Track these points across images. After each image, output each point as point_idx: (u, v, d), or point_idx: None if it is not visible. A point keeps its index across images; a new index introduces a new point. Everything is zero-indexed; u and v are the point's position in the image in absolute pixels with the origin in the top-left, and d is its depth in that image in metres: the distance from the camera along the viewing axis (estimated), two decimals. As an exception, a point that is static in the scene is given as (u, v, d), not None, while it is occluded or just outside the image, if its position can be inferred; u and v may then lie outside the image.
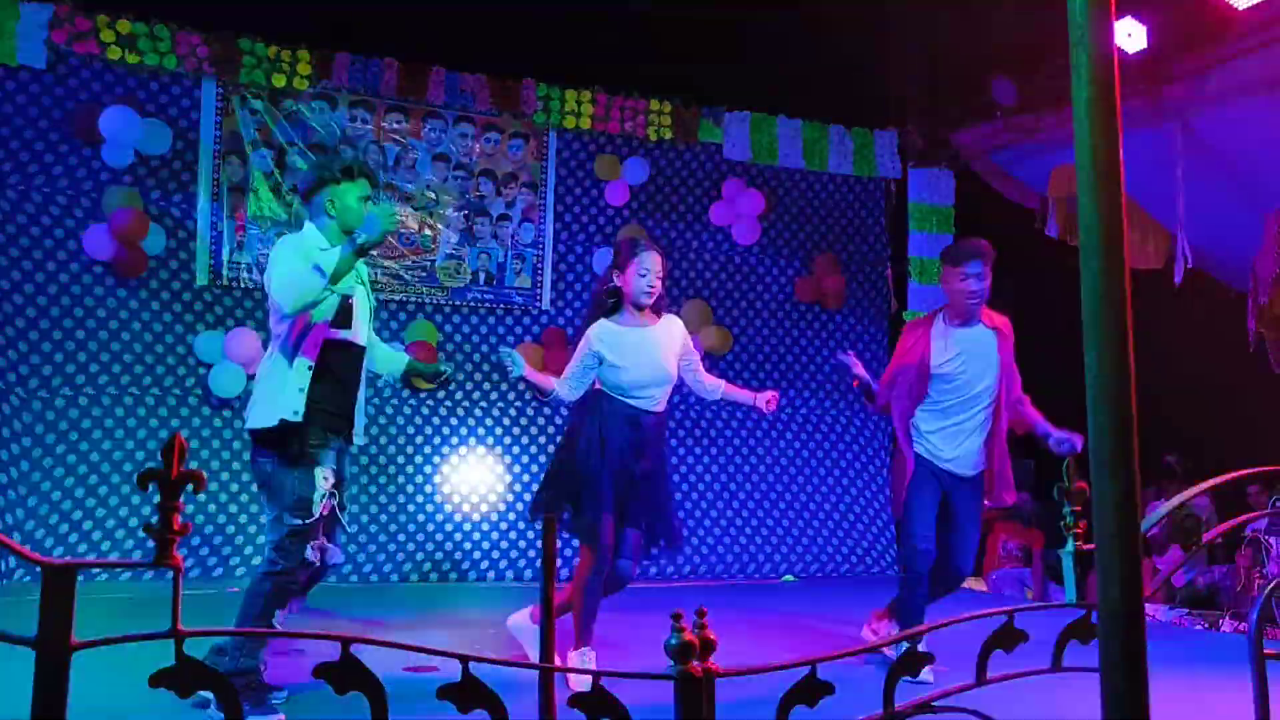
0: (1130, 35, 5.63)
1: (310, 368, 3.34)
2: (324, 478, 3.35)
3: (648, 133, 7.29)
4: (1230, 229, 6.29)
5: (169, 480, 1.22)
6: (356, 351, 3.51)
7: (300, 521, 3.29)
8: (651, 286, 3.93)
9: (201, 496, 6.18)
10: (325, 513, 3.35)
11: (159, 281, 6.25)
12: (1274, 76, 5.36)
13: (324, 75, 6.56)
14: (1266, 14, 5.18)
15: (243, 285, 6.42)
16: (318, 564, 3.43)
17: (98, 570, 5.90)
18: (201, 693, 1.24)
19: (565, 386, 3.96)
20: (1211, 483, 1.82)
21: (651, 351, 3.97)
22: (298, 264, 3.29)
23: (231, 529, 6.25)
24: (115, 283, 6.14)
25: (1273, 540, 5.46)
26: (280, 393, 3.33)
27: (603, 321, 3.99)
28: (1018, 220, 7.27)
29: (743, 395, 4.28)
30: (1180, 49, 5.73)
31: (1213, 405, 7.66)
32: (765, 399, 4.14)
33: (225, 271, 6.39)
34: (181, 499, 1.24)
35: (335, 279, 3.31)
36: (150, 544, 1.26)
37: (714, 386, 4.27)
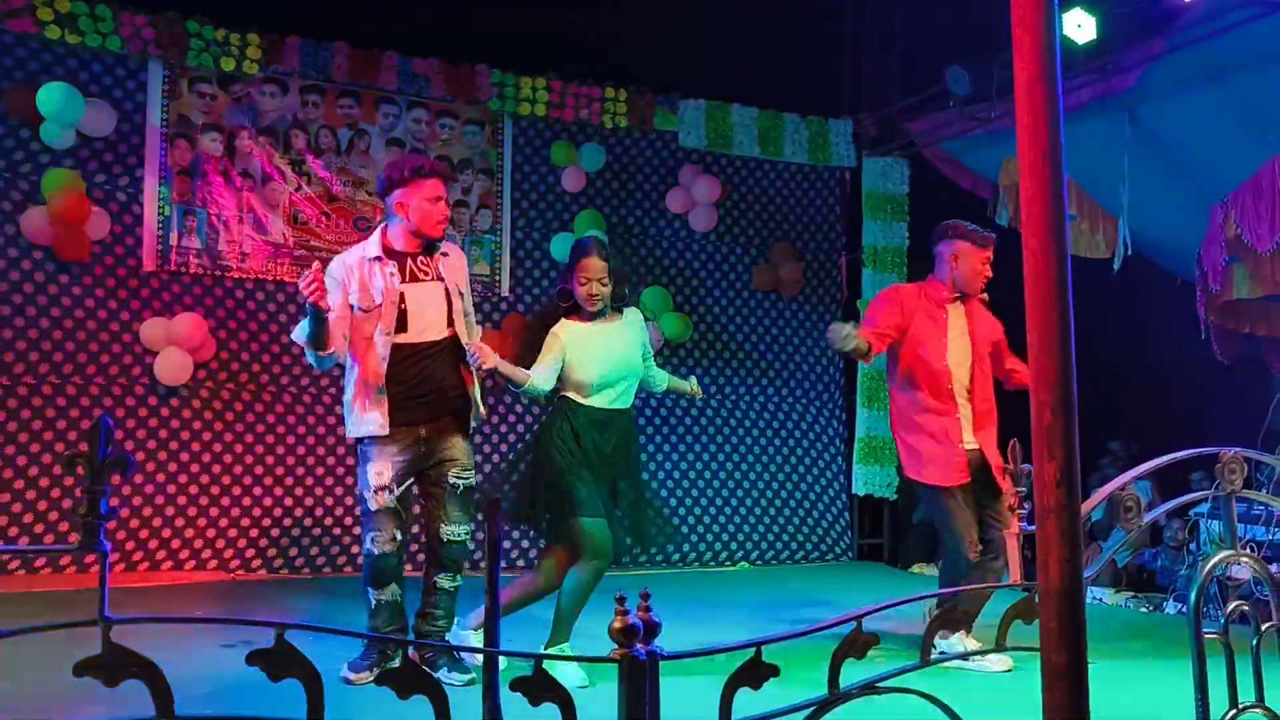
0: (1080, 26, 5.68)
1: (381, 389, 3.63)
2: (376, 473, 3.61)
3: (603, 120, 7.26)
4: (1177, 219, 6.38)
5: (96, 463, 1.19)
6: (425, 349, 3.69)
7: (365, 512, 3.64)
8: (593, 294, 3.90)
9: (149, 487, 6.08)
10: (380, 506, 3.61)
11: (104, 267, 6.12)
12: (1220, 68, 5.44)
13: (274, 59, 6.45)
14: (1212, 5, 5.26)
15: (190, 271, 6.31)
16: (376, 553, 3.62)
17: (41, 563, 5.78)
18: None
19: (540, 379, 3.91)
20: (1152, 464, 1.84)
21: (614, 346, 3.97)
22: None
23: (180, 521, 6.14)
24: (56, 268, 6.00)
25: (1211, 523, 5.57)
26: (352, 411, 3.71)
27: (564, 321, 3.97)
28: (970, 209, 7.33)
29: (678, 383, 4.33)
30: (1128, 40, 5.80)
31: (1161, 393, 7.80)
32: (692, 385, 4.26)
33: (174, 256, 6.27)
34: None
35: (316, 345, 3.55)
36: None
37: (661, 378, 4.29)
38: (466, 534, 3.80)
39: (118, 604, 1.17)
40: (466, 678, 3.51)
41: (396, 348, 3.67)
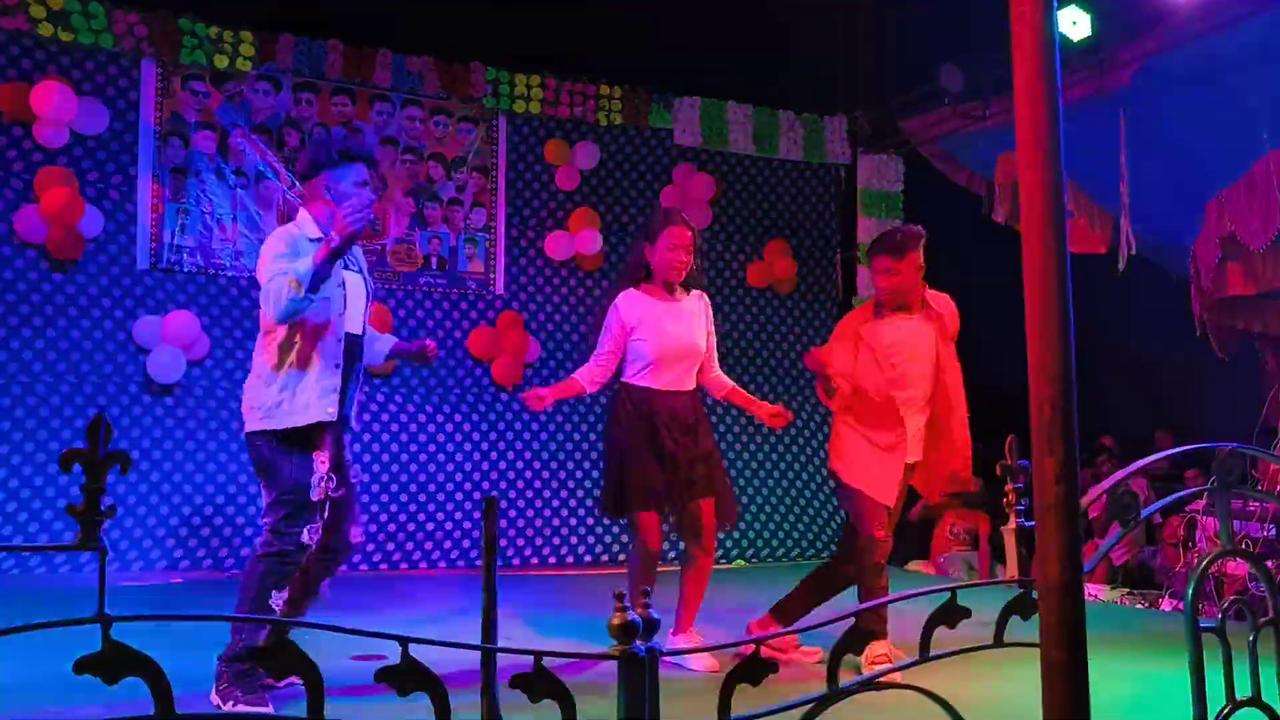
0: (1075, 24, 5.69)
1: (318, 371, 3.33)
2: (320, 462, 3.36)
3: (598, 117, 7.26)
4: (1172, 215, 6.40)
5: (93, 460, 1.18)
6: (350, 339, 3.45)
7: (295, 505, 3.30)
8: (682, 262, 3.92)
9: (143, 486, 6.06)
10: (322, 496, 3.36)
11: (97, 265, 6.10)
12: (1213, 65, 5.46)
13: (267, 57, 6.44)
14: (1205, 3, 5.27)
15: (185, 269, 6.29)
16: (313, 546, 3.39)
17: (36, 562, 5.76)
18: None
19: (594, 373, 3.90)
20: (1148, 460, 1.84)
21: (680, 323, 3.95)
22: (282, 267, 3.22)
23: (174, 520, 6.13)
24: (50, 266, 5.98)
25: (1207, 520, 5.58)
26: (308, 393, 3.33)
27: (630, 290, 3.94)
28: (965, 206, 7.35)
29: (752, 403, 4.18)
30: (1122, 38, 5.81)
31: (1156, 390, 7.81)
32: (773, 413, 4.04)
33: (167, 255, 6.26)
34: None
35: (316, 287, 3.21)
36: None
37: (721, 382, 4.20)
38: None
39: (114, 603, 1.17)
40: None
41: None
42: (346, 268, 3.45)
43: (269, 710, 3.17)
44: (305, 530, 3.34)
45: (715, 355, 4.18)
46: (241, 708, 3.17)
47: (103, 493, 1.18)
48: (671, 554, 4.81)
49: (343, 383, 3.42)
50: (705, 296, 4.16)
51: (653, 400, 3.89)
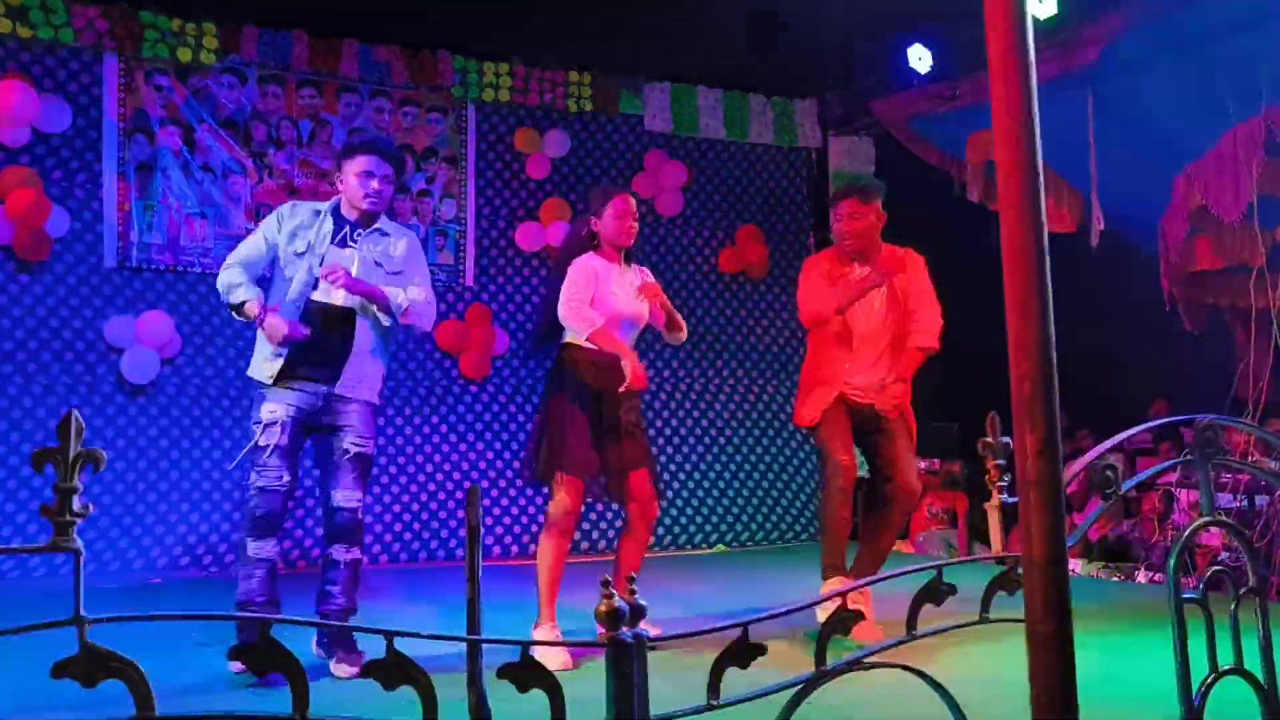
0: (1041, 1, 5.71)
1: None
2: (269, 411, 3.65)
3: (568, 105, 7.22)
4: (1140, 191, 6.45)
5: (65, 459, 1.16)
6: (335, 311, 3.71)
7: (249, 450, 3.66)
8: (631, 228, 4.11)
9: (119, 487, 6.00)
10: (267, 444, 3.62)
11: (64, 265, 6.02)
12: (1180, 40, 5.49)
13: (232, 49, 6.36)
14: (1172, -21, 5.30)
15: (153, 267, 6.22)
16: (267, 489, 3.63)
17: (9, 566, 5.69)
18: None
19: (584, 313, 3.93)
20: (1125, 435, 1.85)
21: (629, 290, 4.08)
22: (252, 247, 3.76)
23: (150, 519, 6.07)
24: (16, 267, 5.90)
25: (1181, 493, 5.65)
26: (259, 354, 3.73)
27: (588, 254, 4.05)
28: (938, 186, 7.38)
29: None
30: (1089, 14, 5.83)
31: (1127, 364, 7.89)
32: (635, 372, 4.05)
33: (135, 253, 6.18)
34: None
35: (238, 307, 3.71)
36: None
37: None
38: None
39: (92, 605, 1.15)
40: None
41: None
42: (344, 245, 3.79)
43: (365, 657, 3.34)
44: (255, 472, 3.63)
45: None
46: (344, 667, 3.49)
47: (76, 492, 1.16)
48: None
49: (315, 351, 3.68)
50: (647, 271, 4.33)
51: (596, 365, 3.94)
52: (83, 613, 1.15)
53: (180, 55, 6.20)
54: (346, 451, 3.71)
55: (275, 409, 3.65)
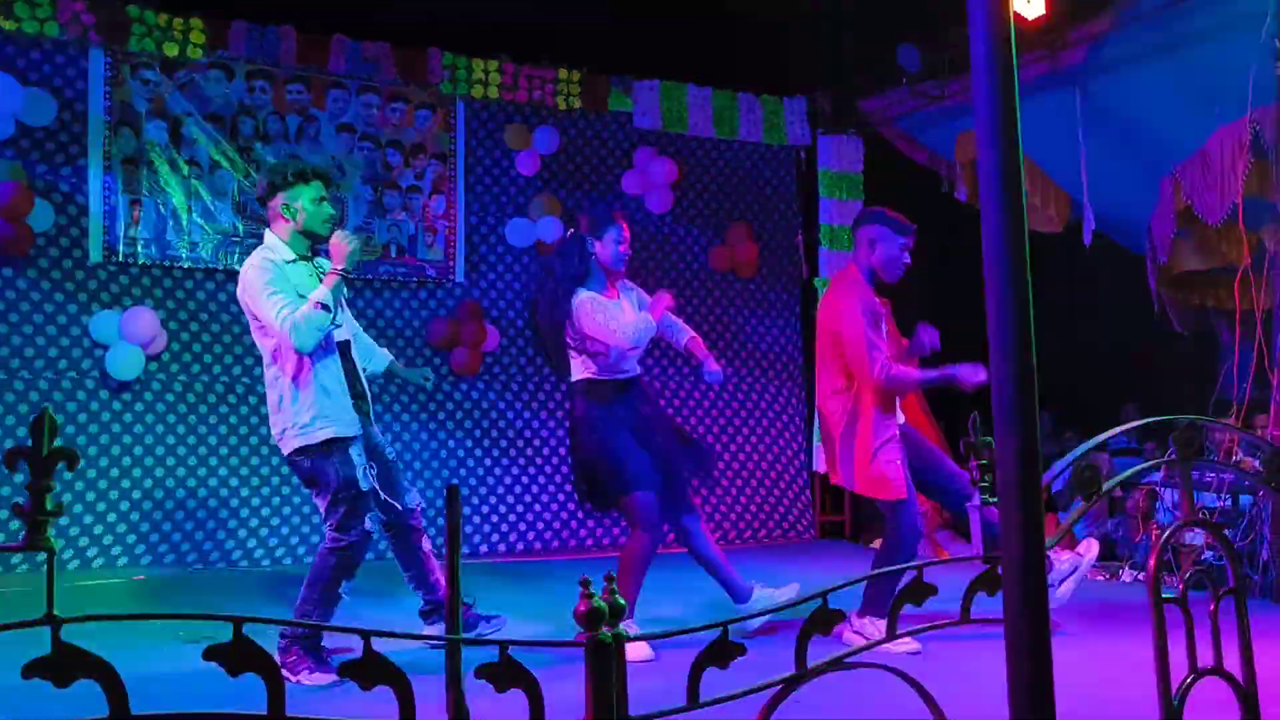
0: (1029, 2, 5.71)
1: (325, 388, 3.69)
2: (358, 454, 3.71)
3: (557, 102, 7.20)
4: (1129, 192, 6.47)
5: (39, 458, 1.15)
6: (345, 345, 3.86)
7: (351, 500, 3.64)
8: (628, 253, 4.21)
9: (103, 483, 5.97)
10: (371, 484, 3.72)
11: (49, 260, 5.98)
12: (1167, 41, 5.51)
13: (219, 44, 6.32)
14: (1159, -20, 5.31)
15: (139, 262, 6.18)
16: (374, 534, 3.76)
17: (-8, 562, 5.66)
18: None
19: (631, 330, 4.04)
20: (1107, 434, 1.85)
21: (631, 314, 4.16)
22: (289, 297, 3.61)
23: (135, 516, 6.04)
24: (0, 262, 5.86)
25: (1165, 492, 5.67)
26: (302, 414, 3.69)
27: (587, 293, 4.10)
28: (926, 185, 7.39)
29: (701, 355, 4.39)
30: (1077, 16, 5.84)
31: (1115, 364, 7.92)
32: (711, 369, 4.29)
33: (121, 248, 6.14)
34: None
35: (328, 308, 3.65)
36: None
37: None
38: None
39: (73, 603, 1.14)
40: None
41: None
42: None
43: (333, 677, 3.48)
44: (366, 519, 3.68)
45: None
46: (318, 676, 3.49)
47: (50, 490, 1.15)
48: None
49: (351, 381, 3.82)
50: (637, 288, 4.43)
51: (617, 384, 4.17)
52: (56, 612, 1.14)
53: (167, 50, 6.17)
54: (392, 461, 4.09)
55: (359, 449, 3.79)
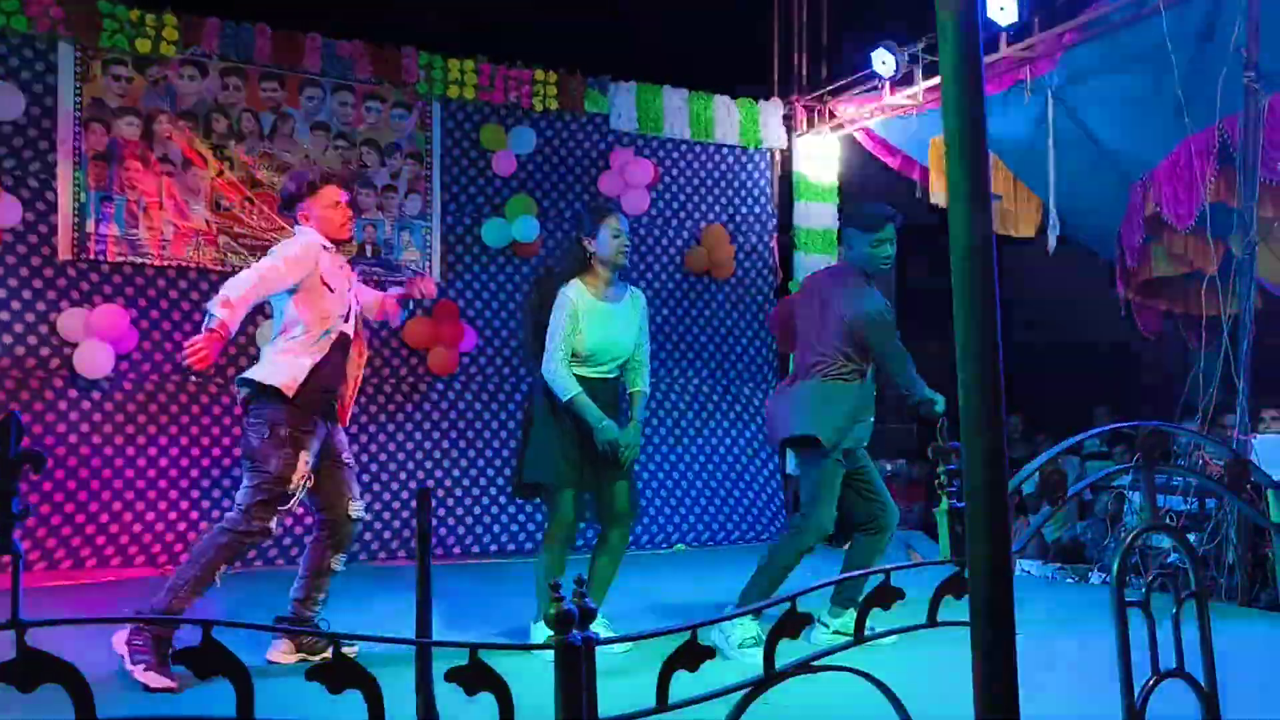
0: (1002, 9, 5.77)
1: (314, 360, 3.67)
2: (305, 461, 3.63)
3: (533, 103, 7.20)
4: (1099, 198, 6.54)
5: (5, 461, 1.14)
6: (346, 341, 3.82)
7: (273, 495, 3.54)
8: (627, 246, 4.06)
9: (71, 483, 5.91)
10: (296, 488, 3.62)
11: (17, 256, 5.91)
12: (1138, 50, 5.57)
13: (192, 41, 6.28)
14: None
15: (109, 259, 6.12)
16: (277, 533, 3.70)
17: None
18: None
19: (558, 363, 3.89)
20: (1075, 439, 1.88)
21: (618, 325, 4.01)
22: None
23: (105, 516, 5.98)
24: (-34, 258, 5.79)
25: (1135, 494, 5.73)
26: (283, 367, 3.64)
27: (577, 282, 3.97)
28: (900, 189, 7.43)
29: (640, 411, 4.19)
30: (1049, 23, 5.90)
31: (1085, 369, 8.00)
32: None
33: (91, 245, 6.08)
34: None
35: None
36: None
37: (637, 380, 4.21)
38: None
39: (42, 604, 1.13)
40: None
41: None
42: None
43: (174, 685, 3.27)
44: (275, 519, 3.58)
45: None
46: (150, 675, 3.26)
47: (14, 495, 1.14)
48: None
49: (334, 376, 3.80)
50: (642, 296, 4.24)
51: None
52: (21, 616, 1.13)
53: (139, 46, 6.12)
54: (349, 465, 4.02)
55: (308, 456, 3.74)
